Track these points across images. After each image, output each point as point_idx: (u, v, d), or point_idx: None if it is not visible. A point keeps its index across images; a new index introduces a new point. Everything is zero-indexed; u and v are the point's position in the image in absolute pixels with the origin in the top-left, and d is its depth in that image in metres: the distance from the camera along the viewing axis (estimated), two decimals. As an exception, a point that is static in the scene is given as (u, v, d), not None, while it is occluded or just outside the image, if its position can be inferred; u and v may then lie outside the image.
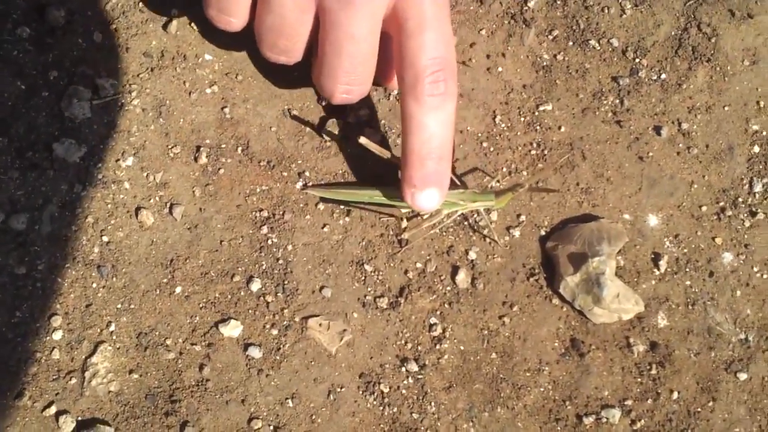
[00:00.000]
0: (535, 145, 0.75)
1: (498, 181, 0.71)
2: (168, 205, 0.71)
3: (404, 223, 0.69)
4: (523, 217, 0.73)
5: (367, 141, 0.68)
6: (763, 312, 0.72)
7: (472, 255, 0.72)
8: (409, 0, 0.51)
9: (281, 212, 0.72)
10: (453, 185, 0.67)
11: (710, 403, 0.70)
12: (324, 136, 0.72)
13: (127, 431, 0.65)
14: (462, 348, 0.70)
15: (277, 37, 0.62)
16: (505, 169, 0.73)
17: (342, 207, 0.70)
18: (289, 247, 0.71)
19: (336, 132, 0.72)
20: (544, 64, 0.77)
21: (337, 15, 0.51)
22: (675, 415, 0.70)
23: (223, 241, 0.71)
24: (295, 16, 0.54)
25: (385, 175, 0.71)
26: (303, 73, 0.73)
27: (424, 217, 0.69)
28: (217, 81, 0.74)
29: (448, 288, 0.71)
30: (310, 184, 0.71)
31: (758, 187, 0.75)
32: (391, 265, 0.71)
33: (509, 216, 0.72)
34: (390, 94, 0.73)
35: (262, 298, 0.70)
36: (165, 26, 0.74)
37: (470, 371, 0.70)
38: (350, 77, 0.55)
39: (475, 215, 0.71)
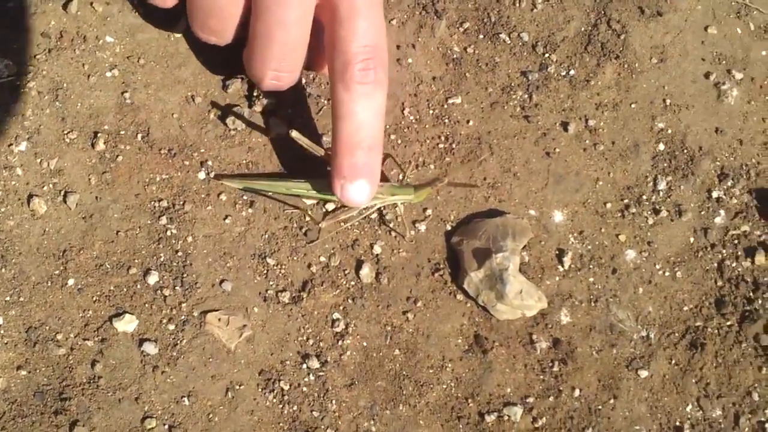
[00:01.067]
0: (443, 138, 0.77)
1: (404, 175, 0.74)
2: (62, 193, 0.71)
3: (310, 216, 0.71)
4: (429, 211, 0.75)
5: (299, 135, 0.64)
6: (664, 309, 0.76)
7: (377, 249, 0.74)
8: None
9: (181, 202, 0.73)
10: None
11: (611, 401, 0.73)
12: (228, 124, 0.73)
13: (14, 430, 0.65)
14: (365, 344, 0.72)
15: (207, 17, 0.64)
16: (412, 162, 0.75)
17: (245, 198, 0.72)
18: (189, 239, 0.72)
19: (241, 120, 0.74)
20: (455, 56, 0.80)
21: (268, 1, 0.52)
22: (576, 412, 0.72)
23: (119, 231, 0.71)
24: None
25: (297, 167, 0.74)
26: (207, 59, 0.75)
27: (340, 210, 0.70)
28: (117, 64, 0.75)
29: (352, 283, 0.73)
30: (223, 173, 0.72)
31: (662, 185, 0.79)
32: (295, 258, 0.72)
33: (415, 210, 0.74)
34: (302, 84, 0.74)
35: (159, 291, 0.71)
36: (65, 6, 0.74)
37: (373, 368, 0.72)
38: (280, 63, 0.57)
39: (383, 208, 0.72)
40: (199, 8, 0.56)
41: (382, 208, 0.72)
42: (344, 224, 0.72)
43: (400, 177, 0.74)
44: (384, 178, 0.72)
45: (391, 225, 0.74)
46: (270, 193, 0.66)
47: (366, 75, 0.56)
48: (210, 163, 0.73)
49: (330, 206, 0.73)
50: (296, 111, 0.75)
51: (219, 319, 0.71)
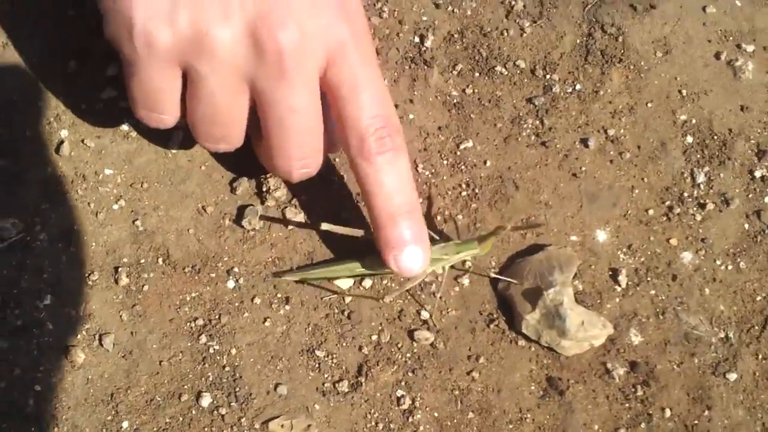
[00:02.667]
0: (464, 185, 0.81)
1: (458, 234, 0.77)
2: (97, 336, 0.74)
3: (348, 298, 0.74)
4: (468, 263, 0.77)
5: (331, 225, 0.68)
6: (736, 305, 0.77)
7: (425, 314, 0.76)
8: (338, 66, 0.56)
9: (217, 316, 0.76)
10: (431, 240, 0.71)
11: (706, 413, 0.74)
12: (245, 226, 0.77)
13: None
14: (436, 415, 0.74)
15: (211, 126, 0.67)
16: (439, 218, 0.77)
17: (279, 296, 0.75)
18: (233, 351, 0.75)
19: (257, 219, 0.77)
20: (455, 101, 0.84)
21: (273, 93, 0.55)
22: None
23: (162, 361, 0.74)
24: (228, 101, 0.57)
25: (330, 249, 0.77)
26: (209, 167, 0.79)
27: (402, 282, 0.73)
28: (122, 194, 0.79)
29: (408, 355, 0.75)
30: (280, 271, 0.76)
31: (701, 178, 0.81)
32: (344, 344, 0.75)
33: (453, 265, 0.75)
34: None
35: (215, 412, 0.73)
36: (57, 150, 0.79)
37: None
38: (303, 151, 0.59)
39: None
40: (202, 120, 0.58)
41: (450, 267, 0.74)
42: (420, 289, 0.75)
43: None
44: (446, 238, 0.75)
45: (433, 288, 0.77)
46: (329, 279, 0.73)
47: (383, 144, 0.59)
48: (236, 269, 0.76)
49: (367, 283, 0.76)
50: (309, 195, 0.78)
51: (282, 426, 0.73)
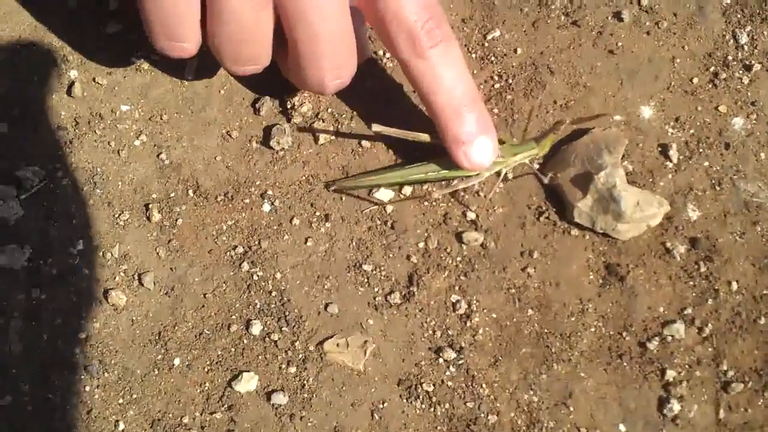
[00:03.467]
0: (496, 77, 0.78)
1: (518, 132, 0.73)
2: (136, 276, 0.74)
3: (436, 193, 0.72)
4: (527, 165, 0.74)
5: (382, 127, 0.65)
6: None
7: (471, 215, 0.75)
8: None
9: (257, 242, 0.75)
10: None
11: None
12: (273, 146, 0.76)
13: None
14: (494, 316, 0.73)
15: (239, 47, 0.65)
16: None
17: (318, 214, 0.75)
18: (278, 276, 0.74)
19: (285, 138, 0.76)
20: (477, -10, 0.75)
21: (301, 2, 0.53)
22: (742, 306, 0.72)
23: (206, 293, 0.74)
24: (254, 17, 0.55)
25: (356, 165, 0.76)
26: (228, 91, 0.78)
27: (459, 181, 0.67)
28: (142, 129, 0.78)
29: (458, 259, 0.74)
30: (332, 180, 0.76)
31: (743, 39, 0.78)
32: (391, 256, 0.74)
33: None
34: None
35: (267, 338, 0.73)
36: (69, 91, 0.78)
37: (511, 337, 0.73)
38: (335, 59, 0.58)
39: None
40: (228, 41, 0.58)
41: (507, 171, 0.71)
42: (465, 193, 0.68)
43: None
44: (500, 140, 0.72)
45: (476, 186, 0.76)
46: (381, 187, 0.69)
47: (434, 36, 0.58)
48: (270, 192, 0.75)
49: (407, 190, 0.76)
50: (336, 106, 0.76)
51: (337, 345, 0.72)
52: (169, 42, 0.60)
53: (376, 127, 0.65)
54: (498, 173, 0.72)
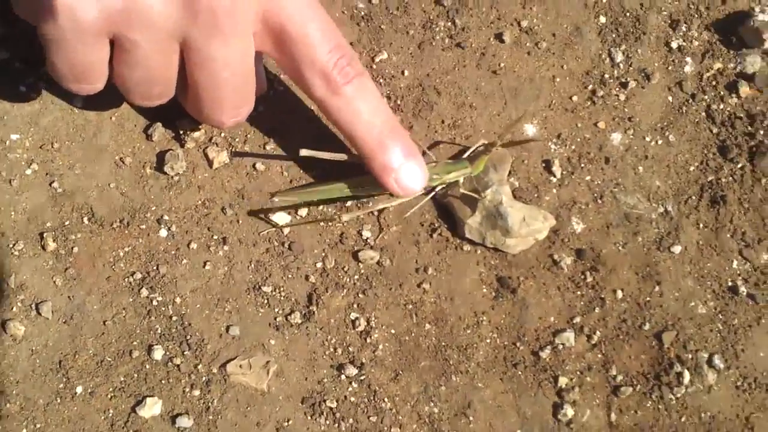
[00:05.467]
0: (385, 98, 0.81)
1: (425, 153, 0.74)
2: (33, 306, 0.75)
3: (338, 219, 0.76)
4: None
5: (310, 151, 0.66)
6: (671, 178, 0.81)
7: (366, 234, 0.79)
8: (276, 7, 0.57)
9: (155, 267, 0.78)
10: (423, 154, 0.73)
11: (656, 288, 0.79)
12: (167, 172, 0.78)
13: None
14: (393, 332, 0.77)
15: (149, 88, 0.67)
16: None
17: (216, 238, 0.78)
18: (178, 300, 0.77)
19: (179, 163, 0.79)
20: (363, 13, 0.85)
21: (207, 49, 0.56)
22: (627, 313, 0.78)
23: (106, 320, 0.76)
24: (163, 62, 0.58)
25: (251, 187, 0.80)
26: (119, 117, 0.80)
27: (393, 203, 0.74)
28: (33, 158, 0.80)
29: (356, 277, 0.78)
30: (276, 192, 0.78)
31: (619, 57, 0.85)
32: (290, 276, 0.78)
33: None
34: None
35: (170, 363, 0.75)
36: (-46, 122, 0.73)
37: (411, 351, 0.77)
38: (235, 101, 0.60)
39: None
40: (139, 83, 0.60)
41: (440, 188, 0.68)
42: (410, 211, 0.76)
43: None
44: (430, 158, 0.77)
45: (370, 205, 0.79)
46: (325, 200, 0.70)
47: (346, 73, 0.60)
48: (166, 217, 0.77)
49: (302, 212, 0.81)
50: (229, 130, 0.79)
51: (240, 366, 0.75)
52: (78, 84, 0.61)
53: (304, 152, 0.67)
54: (431, 190, 0.76)
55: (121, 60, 0.58)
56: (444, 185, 0.76)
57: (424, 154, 0.77)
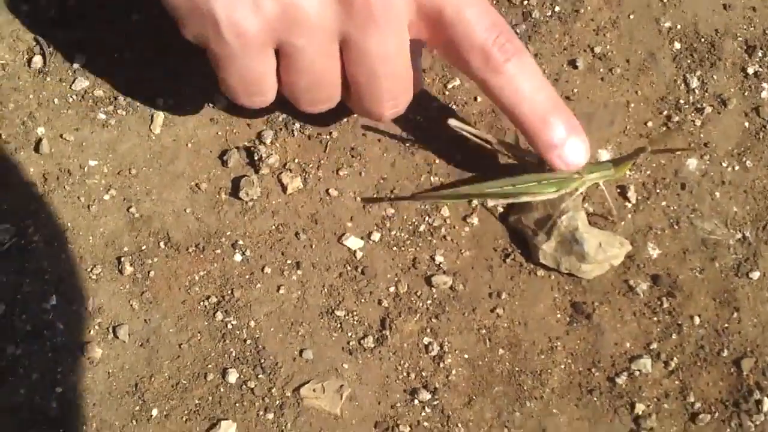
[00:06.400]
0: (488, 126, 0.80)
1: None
2: (111, 329, 0.76)
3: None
4: (474, 202, 0.79)
5: (458, 123, 0.67)
6: (749, 204, 0.80)
7: (439, 258, 0.79)
8: None
9: (230, 291, 0.79)
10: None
11: (735, 315, 0.75)
12: (242, 197, 0.80)
13: None
14: (466, 356, 0.77)
15: (317, 92, 0.63)
16: (438, 161, 0.82)
17: (289, 262, 0.79)
18: (252, 324, 0.77)
19: (254, 189, 0.80)
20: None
21: (364, 43, 0.57)
22: (705, 339, 0.76)
23: (181, 344, 0.76)
24: (327, 65, 0.59)
25: (324, 212, 0.80)
26: (196, 143, 0.83)
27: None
28: (111, 184, 0.81)
29: (429, 302, 0.78)
30: (418, 193, 0.78)
31: (694, 83, 0.84)
32: (363, 300, 0.78)
33: (461, 205, 0.80)
34: (287, 126, 0.82)
35: (244, 386, 0.75)
36: (36, 148, 0.82)
37: (484, 376, 0.74)
38: (394, 94, 0.61)
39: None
40: (306, 90, 0.61)
41: (582, 192, 0.69)
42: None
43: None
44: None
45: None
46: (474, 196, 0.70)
47: (506, 50, 0.60)
48: (241, 242, 0.79)
49: (375, 236, 0.80)
50: (302, 156, 0.81)
51: (314, 390, 0.75)
52: (250, 98, 0.64)
53: (453, 122, 0.68)
54: (572, 191, 0.75)
55: (288, 68, 0.60)
56: (584, 185, 0.75)
57: None
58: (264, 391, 0.76)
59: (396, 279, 0.79)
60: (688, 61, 0.85)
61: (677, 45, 0.85)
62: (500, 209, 0.79)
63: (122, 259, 0.79)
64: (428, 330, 0.77)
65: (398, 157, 0.81)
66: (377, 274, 0.79)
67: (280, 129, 0.82)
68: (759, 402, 0.73)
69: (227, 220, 0.80)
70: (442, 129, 0.80)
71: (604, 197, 0.77)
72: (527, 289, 0.78)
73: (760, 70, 0.84)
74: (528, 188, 0.75)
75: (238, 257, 0.79)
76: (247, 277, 0.78)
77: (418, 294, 0.78)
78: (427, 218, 0.80)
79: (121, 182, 0.81)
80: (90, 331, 0.76)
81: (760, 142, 0.82)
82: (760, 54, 0.84)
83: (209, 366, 0.76)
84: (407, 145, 0.81)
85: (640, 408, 0.75)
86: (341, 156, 0.81)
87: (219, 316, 0.77)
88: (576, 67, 0.84)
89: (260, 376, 0.76)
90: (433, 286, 0.78)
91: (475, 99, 0.82)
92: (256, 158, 0.81)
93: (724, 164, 0.82)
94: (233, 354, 0.77)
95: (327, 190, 0.81)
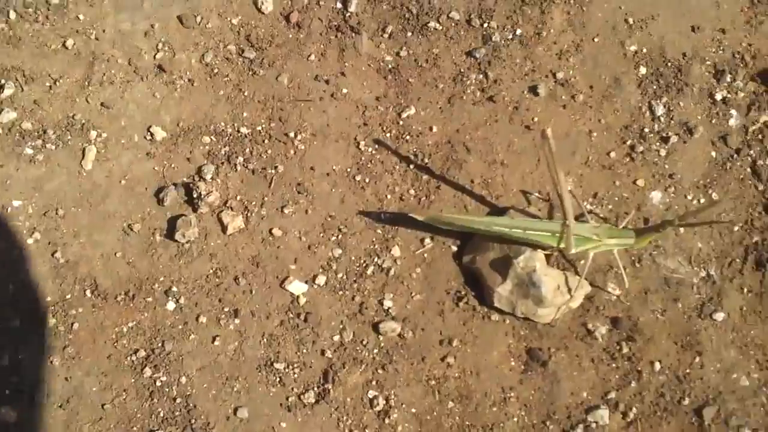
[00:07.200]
0: (412, 156, 0.78)
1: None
2: (26, 391, 0.71)
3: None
4: (427, 240, 0.76)
5: (551, 134, 0.62)
6: (714, 240, 0.76)
7: (388, 303, 0.75)
8: None
9: (160, 344, 0.73)
10: (580, 214, 0.70)
11: (697, 359, 0.69)
12: (178, 239, 0.75)
13: None
14: (414, 411, 0.70)
15: None
16: (389, 196, 0.77)
17: (227, 310, 0.74)
18: (183, 380, 0.73)
19: (191, 230, 0.75)
20: (390, 66, 0.81)
21: None
22: (665, 387, 0.69)
23: (104, 404, 0.71)
24: None
25: (266, 254, 0.75)
26: (129, 180, 0.78)
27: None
28: (36, 226, 0.76)
29: (375, 351, 0.73)
30: (409, 212, 0.73)
31: (660, 110, 0.80)
32: (304, 351, 0.73)
33: (413, 242, 0.76)
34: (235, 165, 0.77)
35: None
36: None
37: None
38: None
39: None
40: None
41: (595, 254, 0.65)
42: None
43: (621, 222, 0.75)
44: (599, 218, 0.73)
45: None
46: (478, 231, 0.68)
47: None
48: (175, 289, 0.74)
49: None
50: (245, 193, 0.77)
51: None
52: None
53: (549, 132, 0.62)
54: (586, 253, 0.66)
55: None
56: (599, 249, 0.71)
57: (588, 213, 0.73)
58: (195, 453, 0.65)
59: (341, 326, 0.74)
60: (654, 87, 0.81)
61: (643, 70, 0.81)
62: (454, 248, 0.75)
63: (44, 309, 0.72)
64: (374, 382, 0.73)
65: (348, 192, 0.78)
66: (321, 321, 0.74)
67: (222, 163, 0.78)
68: (723, 455, 0.63)
69: (161, 265, 0.75)
70: (396, 161, 0.78)
71: (615, 264, 0.73)
72: (480, 335, 0.74)
73: (729, 96, 0.80)
74: (540, 237, 0.71)
75: (171, 305, 0.75)
76: (180, 327, 0.74)
77: (364, 342, 0.74)
78: (376, 258, 0.76)
79: (47, 224, 0.76)
80: (5, 391, 0.71)
81: (727, 172, 0.78)
82: (728, 79, 0.80)
83: (134, 429, 0.71)
84: (357, 179, 0.77)
85: (597, 465, 0.63)
86: (287, 192, 0.77)
87: (147, 371, 0.73)
88: (537, 94, 0.80)
89: (191, 437, 0.65)
90: (380, 334, 0.74)
91: (431, 129, 0.78)
92: (195, 196, 0.76)
93: (689, 197, 0.78)
94: (161, 414, 0.72)
95: (270, 230, 0.77)
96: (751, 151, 0.78)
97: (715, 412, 0.71)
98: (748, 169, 0.78)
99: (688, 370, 0.72)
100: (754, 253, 0.75)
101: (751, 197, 0.76)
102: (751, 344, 0.72)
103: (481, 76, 0.80)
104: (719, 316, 0.74)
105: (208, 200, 0.76)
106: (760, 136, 0.78)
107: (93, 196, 0.77)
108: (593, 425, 0.71)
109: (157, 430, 0.70)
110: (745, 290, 0.74)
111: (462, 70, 0.81)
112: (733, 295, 0.74)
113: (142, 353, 0.73)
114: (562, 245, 0.69)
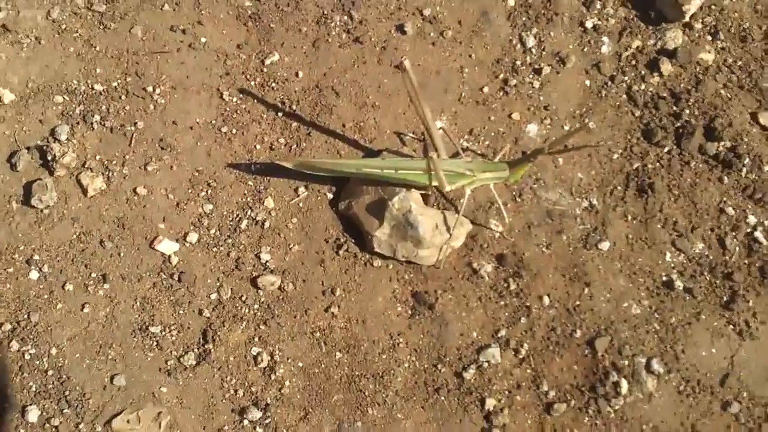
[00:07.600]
0: (279, 103, 0.76)
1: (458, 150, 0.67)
2: None
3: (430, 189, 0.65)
4: (301, 189, 0.74)
5: (411, 72, 0.61)
6: (594, 168, 0.75)
7: (265, 257, 0.72)
8: None
9: (26, 315, 0.70)
10: (455, 153, 0.67)
11: (586, 291, 0.70)
12: (36, 205, 0.71)
13: None
14: (300, 365, 0.70)
15: None
16: (259, 147, 0.74)
17: (94, 275, 0.71)
18: (53, 351, 0.69)
19: (49, 194, 0.71)
20: (250, 12, 0.79)
21: None
22: (556, 321, 0.71)
23: (-29, 381, 0.62)
24: None
25: (132, 215, 0.72)
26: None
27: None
28: None
29: (256, 306, 0.71)
30: (276, 159, 0.72)
31: (531, 41, 0.78)
32: (181, 312, 0.70)
33: (286, 193, 0.74)
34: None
35: (47, 424, 0.67)
36: None
37: (321, 385, 0.69)
38: None
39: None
40: None
41: (470, 192, 0.64)
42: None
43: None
44: (472, 153, 0.70)
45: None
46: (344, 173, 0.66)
47: None
48: (37, 257, 0.70)
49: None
50: (106, 152, 0.73)
51: (128, 421, 0.68)
52: None
53: (407, 63, 0.60)
54: (462, 189, 0.66)
55: None
56: (474, 184, 0.69)
57: (464, 150, 0.71)
58: (71, 427, 0.67)
59: (218, 284, 0.72)
60: (524, 19, 0.79)
61: (511, 2, 0.79)
62: (329, 196, 0.72)
63: None
64: (256, 338, 0.70)
65: (214, 145, 0.75)
66: (196, 280, 0.71)
67: (77, 123, 0.74)
68: (617, 384, 0.69)
69: (20, 233, 0.72)
70: (263, 110, 0.75)
71: (494, 199, 0.70)
72: (363, 282, 0.72)
73: (599, 23, 0.79)
74: (412, 176, 0.69)
75: (34, 275, 0.71)
76: (46, 297, 0.70)
77: (244, 299, 0.71)
78: (249, 212, 0.73)
79: None
80: None
81: (603, 100, 0.77)
82: (598, 6, 0.79)
83: (5, 405, 0.66)
84: (223, 131, 0.75)
85: (490, 403, 0.69)
86: (149, 149, 0.74)
87: (14, 345, 0.69)
88: (405, 33, 0.78)
89: (65, 411, 0.68)
90: (259, 289, 0.71)
91: (297, 74, 0.76)
92: (49, 158, 0.72)
93: (566, 127, 0.76)
94: (33, 388, 0.68)
95: (134, 189, 0.73)
96: (626, 78, 0.77)
97: (608, 342, 0.70)
98: (624, 96, 0.77)
99: (577, 303, 0.71)
100: (635, 179, 0.74)
101: (629, 123, 0.76)
102: (639, 272, 0.72)
103: (345, 17, 0.78)
104: (605, 245, 0.73)
105: (64, 162, 0.72)
106: (633, 62, 0.78)
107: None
108: (485, 364, 0.69)
109: (30, 404, 0.67)
110: (629, 217, 0.73)
111: (325, 12, 0.78)
112: (617, 223, 0.74)
113: (7, 326, 0.69)
114: (435, 183, 0.66)
